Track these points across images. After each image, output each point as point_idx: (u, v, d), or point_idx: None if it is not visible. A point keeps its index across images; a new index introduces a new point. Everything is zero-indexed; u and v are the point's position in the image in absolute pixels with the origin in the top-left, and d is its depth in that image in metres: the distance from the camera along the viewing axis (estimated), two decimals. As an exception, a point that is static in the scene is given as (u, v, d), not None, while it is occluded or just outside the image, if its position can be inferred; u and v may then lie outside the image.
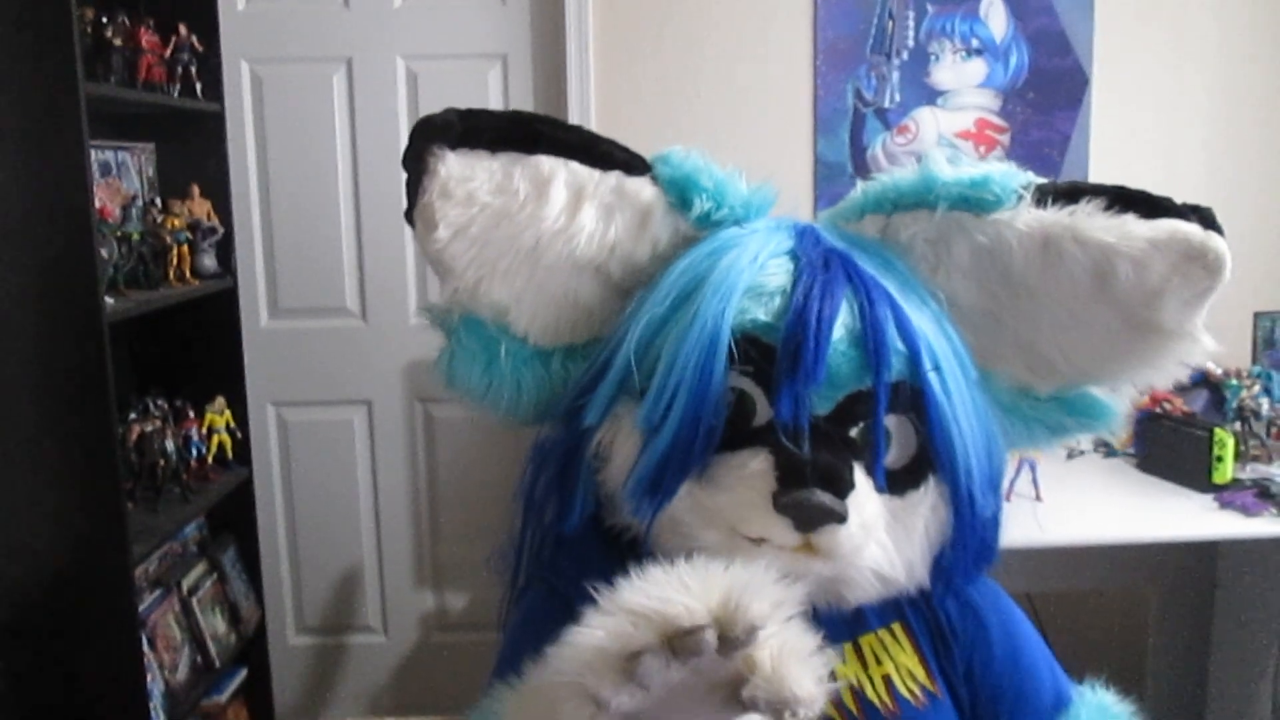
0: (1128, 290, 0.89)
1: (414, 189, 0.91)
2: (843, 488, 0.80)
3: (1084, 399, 0.98)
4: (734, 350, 0.83)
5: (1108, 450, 2.38)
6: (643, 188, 0.93)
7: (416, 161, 0.90)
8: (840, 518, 0.80)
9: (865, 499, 0.83)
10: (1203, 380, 2.35)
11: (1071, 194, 0.90)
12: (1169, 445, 2.20)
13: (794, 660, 0.60)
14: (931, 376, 0.86)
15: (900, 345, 0.85)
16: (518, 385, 0.95)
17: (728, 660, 0.60)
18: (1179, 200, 0.90)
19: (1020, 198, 0.90)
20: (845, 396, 0.85)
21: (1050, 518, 1.96)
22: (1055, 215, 0.89)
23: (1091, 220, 0.89)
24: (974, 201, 0.91)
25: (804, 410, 0.82)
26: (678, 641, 0.58)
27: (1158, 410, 2.27)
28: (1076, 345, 0.94)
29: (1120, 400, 1.00)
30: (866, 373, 0.84)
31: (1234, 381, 2.31)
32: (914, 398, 0.86)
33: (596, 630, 0.60)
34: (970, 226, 0.92)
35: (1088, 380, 0.97)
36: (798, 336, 0.82)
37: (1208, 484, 2.10)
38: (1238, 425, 2.25)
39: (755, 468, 0.82)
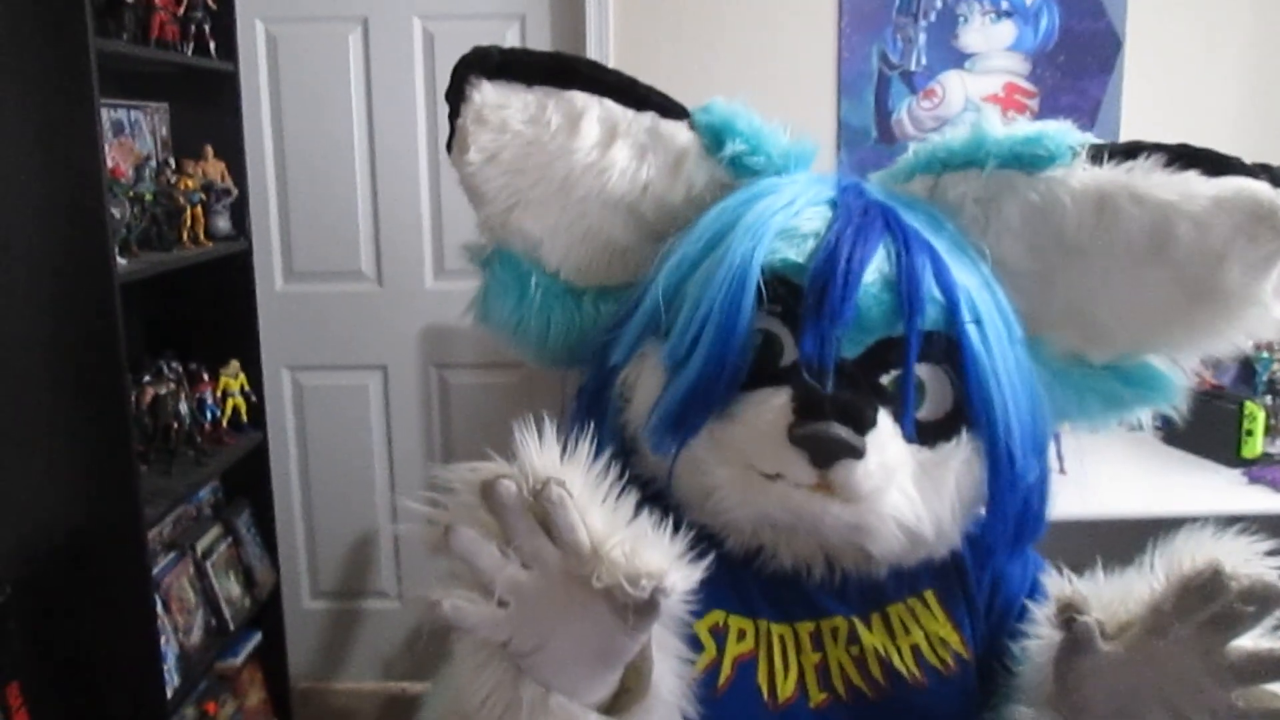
0: (1188, 252, 0.84)
1: (454, 118, 0.93)
2: (862, 424, 0.77)
3: (1143, 369, 0.93)
4: (763, 290, 0.81)
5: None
6: (678, 131, 0.92)
7: (456, 90, 0.92)
8: (857, 452, 0.77)
9: (887, 440, 0.80)
10: (1232, 353, 2.30)
11: (1130, 152, 0.85)
12: (1197, 418, 2.13)
13: (641, 544, 0.62)
14: (970, 329, 0.82)
15: (938, 294, 0.82)
16: (547, 321, 0.95)
17: (559, 535, 0.62)
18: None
19: (1075, 154, 0.86)
20: (876, 341, 0.82)
21: (1072, 490, 1.92)
22: (1111, 172, 0.85)
23: (1150, 177, 0.84)
24: (1026, 158, 0.87)
25: (829, 349, 0.79)
26: (485, 494, 0.62)
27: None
28: (1132, 310, 0.89)
29: (1182, 373, 0.94)
30: (898, 318, 0.81)
31: (1265, 354, 2.26)
32: (950, 350, 0.82)
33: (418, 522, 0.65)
34: (1021, 185, 0.88)
35: (1145, 349, 0.92)
36: (826, 274, 0.80)
37: (1236, 458, 2.06)
38: (1268, 399, 2.20)
39: (774, 403, 0.80)
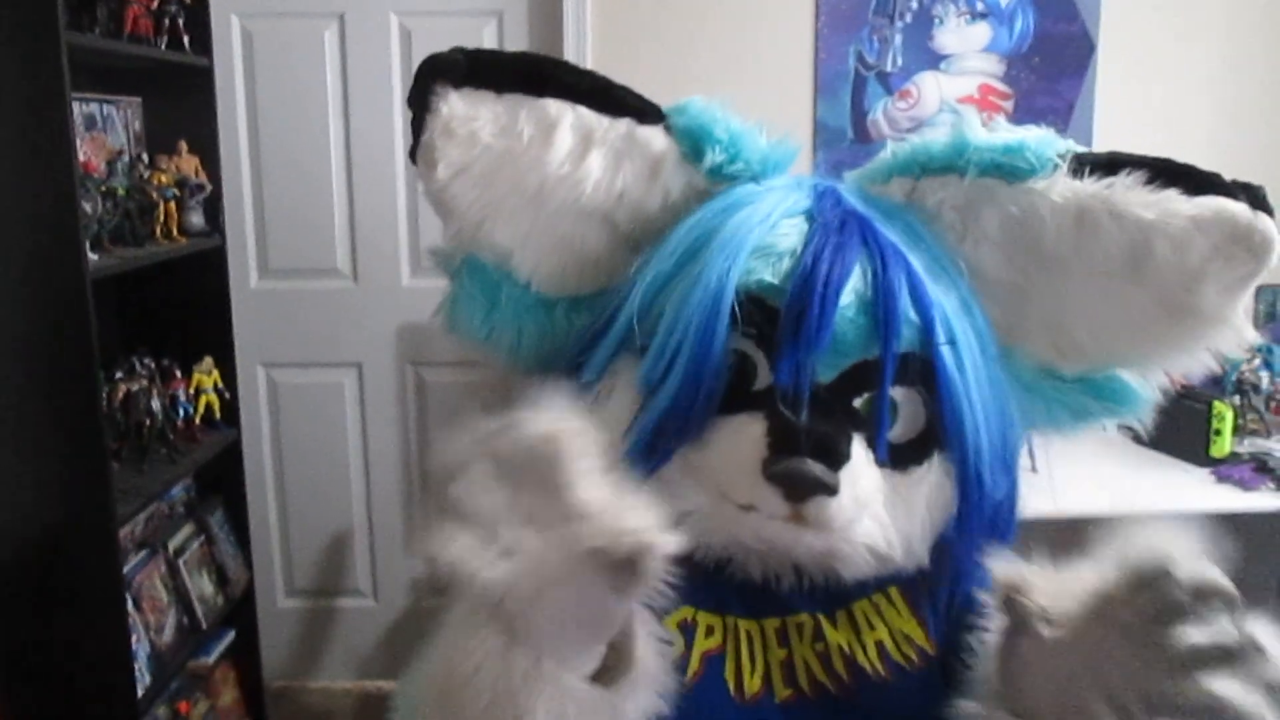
0: (1165, 271, 0.84)
1: (418, 127, 0.89)
2: (837, 459, 0.78)
3: (1112, 383, 0.93)
4: (738, 312, 0.80)
5: (1104, 422, 2.35)
6: (654, 137, 0.90)
7: (421, 99, 0.88)
8: (831, 490, 0.77)
9: (861, 472, 0.80)
10: (1202, 353, 2.32)
11: (1111, 165, 0.85)
12: (1166, 417, 2.16)
13: (630, 506, 0.63)
14: (944, 350, 0.81)
15: (913, 315, 0.81)
16: (519, 332, 0.94)
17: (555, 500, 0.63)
18: (1228, 177, 0.84)
19: (1056, 166, 0.85)
20: (851, 365, 0.82)
21: (1043, 489, 1.94)
22: (1092, 187, 0.84)
23: (1130, 194, 0.84)
24: (1007, 168, 0.86)
25: (805, 377, 0.79)
26: (488, 447, 0.63)
27: (1156, 383, 2.25)
28: (1106, 326, 0.89)
29: (1151, 386, 0.94)
30: (874, 342, 0.80)
31: (1230, 356, 2.28)
32: (924, 371, 0.82)
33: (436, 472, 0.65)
34: (1001, 195, 0.87)
35: (1116, 363, 0.92)
36: (803, 300, 0.79)
37: (1205, 458, 2.09)
38: (1237, 399, 2.23)
39: (748, 433, 0.79)
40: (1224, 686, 0.63)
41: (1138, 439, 2.22)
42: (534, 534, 0.63)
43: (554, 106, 0.88)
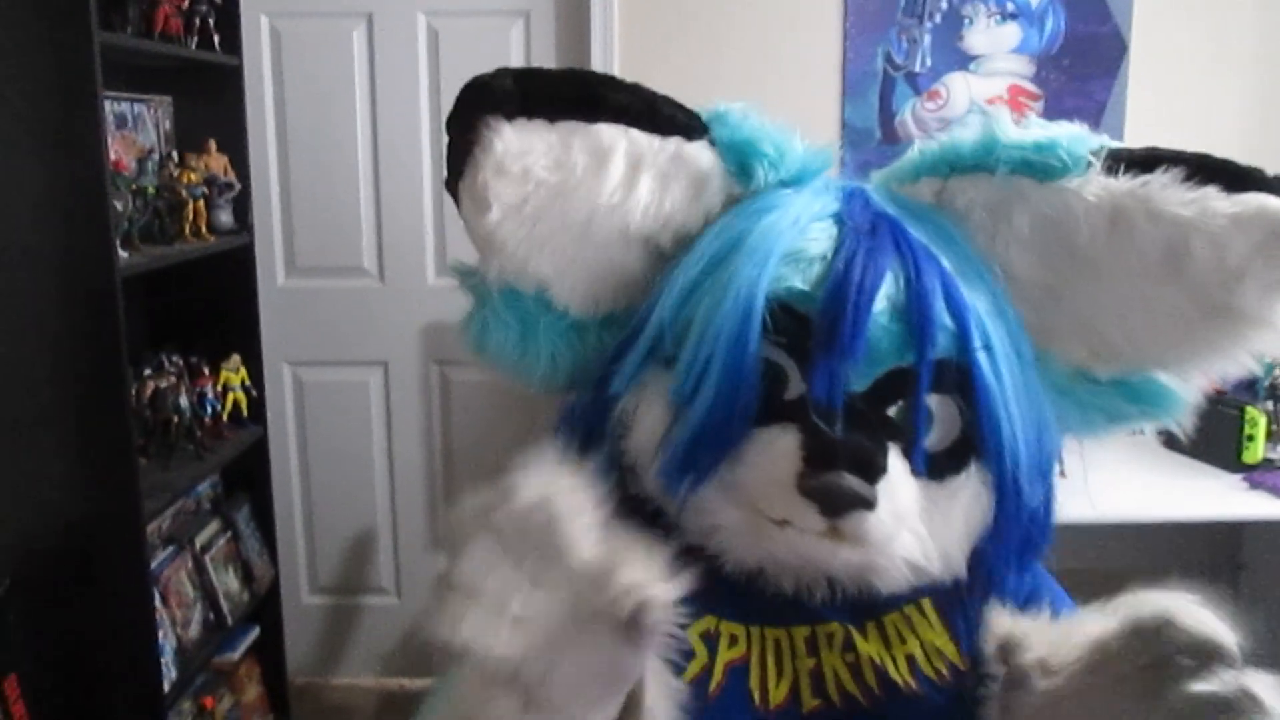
0: (1203, 271, 0.81)
1: (459, 157, 0.84)
2: (874, 473, 0.75)
3: (1148, 385, 0.91)
4: (767, 320, 0.78)
5: (1134, 427, 2.33)
6: (700, 153, 0.87)
7: (468, 129, 0.82)
8: (869, 504, 0.75)
9: (899, 485, 0.77)
10: (1234, 358, 2.29)
11: (1147, 162, 0.82)
12: (1198, 423, 2.14)
13: (623, 561, 0.61)
14: (981, 356, 0.79)
15: (948, 321, 0.79)
16: (553, 357, 0.91)
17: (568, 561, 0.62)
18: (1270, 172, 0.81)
19: (1090, 165, 0.83)
20: (884, 373, 0.79)
21: (1072, 494, 1.92)
22: (1128, 185, 0.81)
23: (1167, 193, 0.81)
24: (1039, 167, 0.84)
25: (838, 388, 0.76)
26: (486, 520, 0.62)
27: (1187, 387, 2.22)
28: (1142, 327, 0.86)
29: (1189, 389, 0.91)
30: (909, 349, 0.78)
31: (1266, 359, 2.26)
32: (960, 378, 0.79)
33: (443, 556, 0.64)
34: (1033, 194, 0.85)
35: (1153, 366, 0.90)
36: (836, 308, 0.77)
37: (1237, 463, 2.06)
38: (1270, 404, 2.20)
39: (782, 446, 0.77)
40: None
41: (1170, 445, 2.20)
42: (542, 599, 0.62)
43: (608, 133, 0.83)
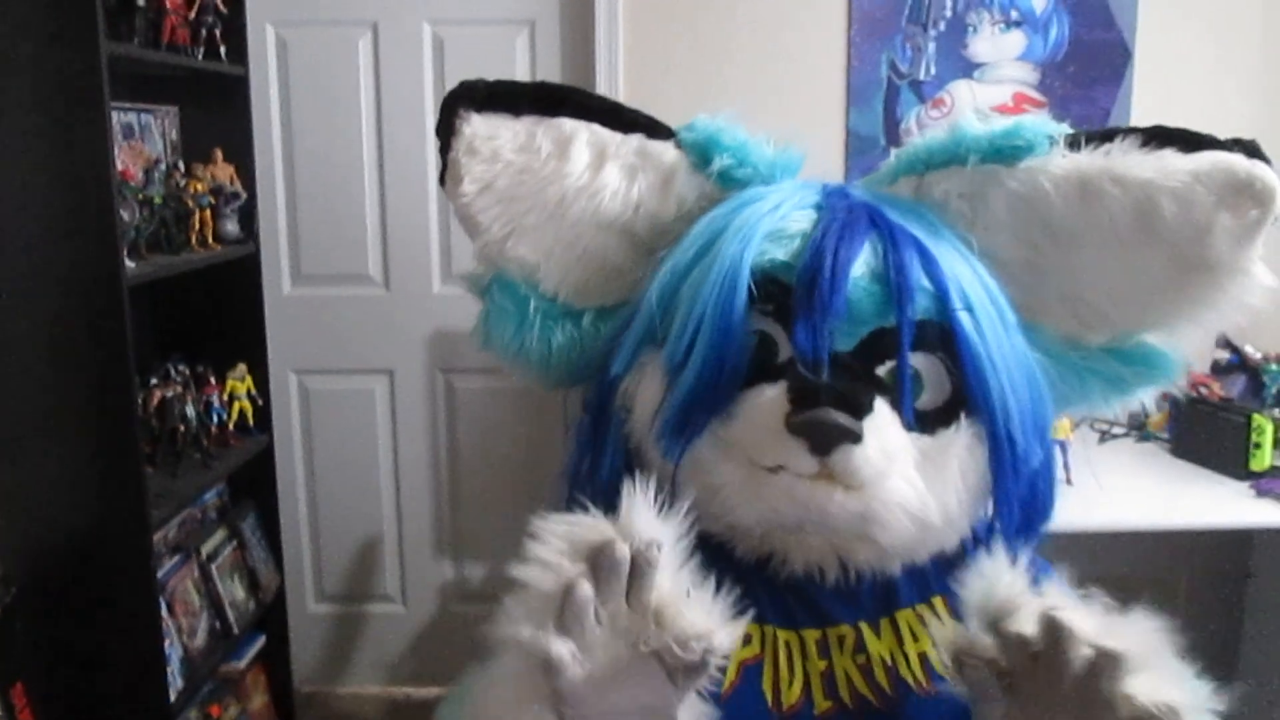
0: (1174, 228, 0.86)
1: (445, 152, 0.96)
2: (859, 409, 0.79)
3: (1141, 348, 0.95)
4: (754, 290, 0.83)
5: (1141, 434, 2.33)
6: (665, 150, 0.95)
7: (446, 125, 0.96)
8: (855, 436, 0.78)
9: (885, 425, 0.81)
10: (1240, 364, 2.29)
11: (1106, 136, 0.88)
12: (1205, 430, 2.14)
13: (689, 607, 0.66)
14: (962, 315, 0.84)
15: (926, 284, 0.84)
16: (548, 344, 0.98)
17: (640, 599, 0.66)
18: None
19: (1053, 143, 0.88)
20: (869, 333, 0.84)
21: (1079, 501, 1.92)
22: (1090, 157, 0.87)
23: (1128, 158, 0.87)
24: (1005, 151, 0.89)
25: (821, 341, 0.81)
26: (598, 558, 0.65)
27: (1194, 394, 2.22)
28: (1126, 291, 0.91)
29: (1180, 347, 0.96)
30: (890, 309, 0.83)
31: (1273, 366, 2.25)
32: (944, 337, 0.84)
33: (532, 570, 0.67)
34: (1004, 177, 0.90)
35: (1142, 327, 0.94)
36: (814, 268, 0.82)
37: (1244, 471, 2.05)
38: (1276, 411, 2.19)
39: (770, 395, 0.82)
40: None
41: (1177, 452, 2.20)
42: (606, 627, 0.67)
43: (569, 124, 0.94)
